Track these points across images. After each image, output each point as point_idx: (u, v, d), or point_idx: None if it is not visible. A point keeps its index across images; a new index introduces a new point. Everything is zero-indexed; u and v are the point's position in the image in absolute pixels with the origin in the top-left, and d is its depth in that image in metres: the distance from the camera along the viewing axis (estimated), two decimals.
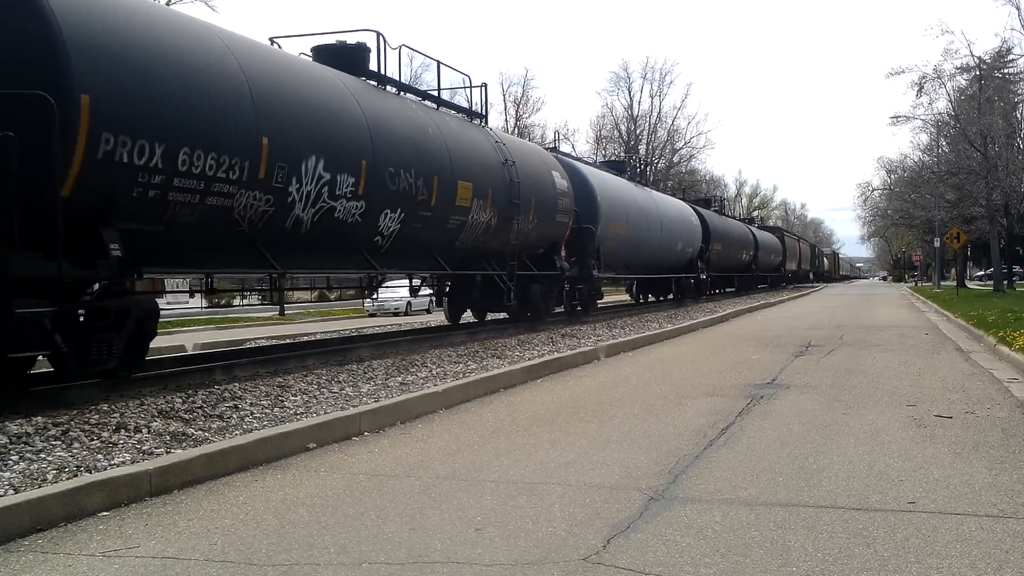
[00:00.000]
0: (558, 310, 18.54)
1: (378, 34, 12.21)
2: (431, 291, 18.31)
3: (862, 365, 10.83)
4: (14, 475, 4.86)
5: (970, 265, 66.63)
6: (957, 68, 38.38)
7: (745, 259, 40.36)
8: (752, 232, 43.76)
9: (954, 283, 48.82)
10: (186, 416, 6.64)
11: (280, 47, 11.12)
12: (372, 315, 28.72)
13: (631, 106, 66.99)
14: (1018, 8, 38.74)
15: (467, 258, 14.09)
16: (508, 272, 15.12)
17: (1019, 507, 4.44)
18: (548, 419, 7.25)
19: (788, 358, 11.72)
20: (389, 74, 12.34)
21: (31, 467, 5.04)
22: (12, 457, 5.21)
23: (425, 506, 4.62)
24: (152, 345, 8.66)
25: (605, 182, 21.11)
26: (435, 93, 14.16)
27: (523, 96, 60.89)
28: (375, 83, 12.10)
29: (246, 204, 8.60)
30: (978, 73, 37.77)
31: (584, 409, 7.73)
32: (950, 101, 39.94)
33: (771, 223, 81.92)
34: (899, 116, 42.72)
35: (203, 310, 24.73)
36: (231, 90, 8.40)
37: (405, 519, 4.38)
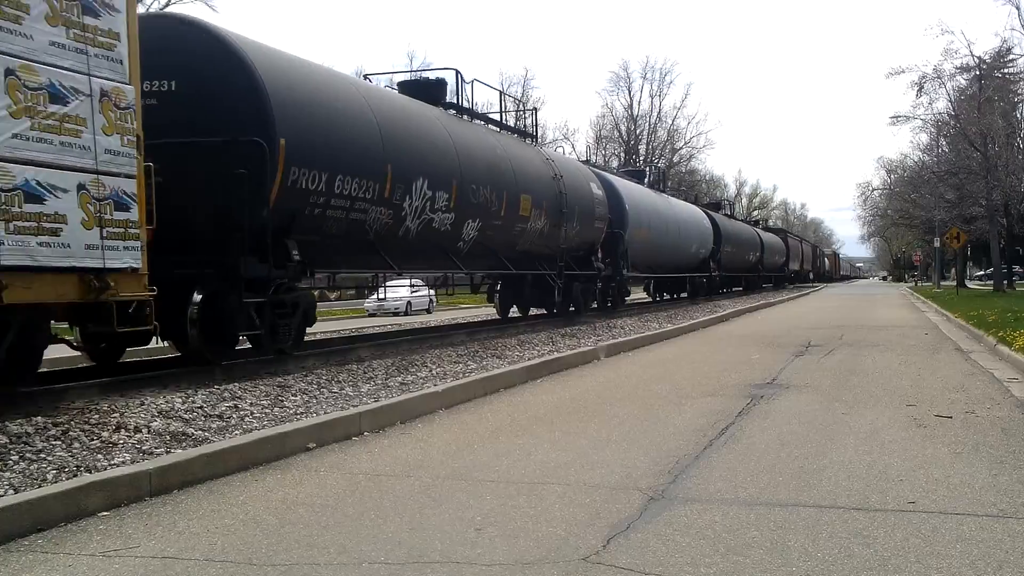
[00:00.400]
0: (592, 306, 20.74)
1: (457, 72, 15.24)
2: (430, 290, 20.84)
3: (862, 365, 10.83)
4: (14, 475, 4.86)
5: (970, 265, 66.62)
6: (957, 68, 38.41)
7: (752, 260, 42.38)
8: (758, 234, 45.76)
9: (954, 283, 48.81)
10: (186, 416, 6.64)
11: (371, 80, 14.24)
12: (372, 315, 28.69)
13: (631, 106, 67.04)
14: (1018, 8, 38.75)
15: (524, 259, 16.25)
16: (557, 272, 17.53)
17: (1019, 507, 4.44)
18: (548, 419, 7.25)
19: (788, 358, 11.72)
20: (450, 98, 14.67)
21: (31, 467, 5.04)
22: (12, 457, 5.21)
23: (425, 506, 4.62)
24: (151, 345, 9.46)
25: (631, 191, 23.33)
26: (498, 118, 16.92)
27: (523, 96, 60.84)
28: (454, 112, 14.51)
29: (374, 218, 10.85)
30: (978, 73, 37.77)
31: (584, 409, 7.73)
32: (950, 101, 39.97)
33: (771, 223, 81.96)
34: (899, 116, 42.78)
35: None
36: (367, 129, 10.75)
37: (405, 519, 4.38)
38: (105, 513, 4.52)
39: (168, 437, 5.97)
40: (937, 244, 45.37)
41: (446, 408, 7.84)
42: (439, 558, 3.80)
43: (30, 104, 6.12)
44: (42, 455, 5.30)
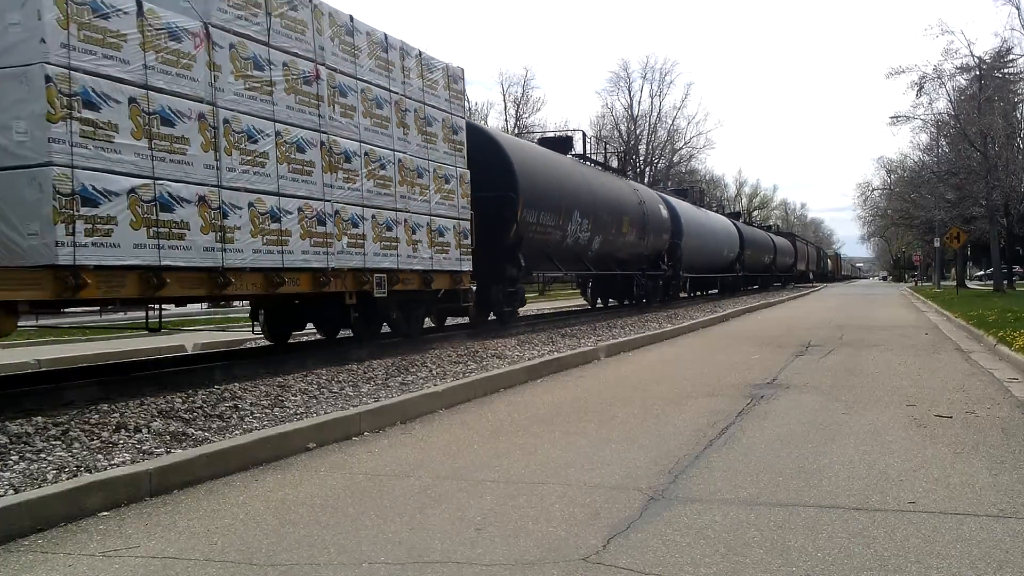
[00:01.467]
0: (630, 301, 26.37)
1: (583, 133, 22.93)
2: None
3: (862, 365, 10.83)
4: (14, 475, 4.86)
5: (970, 265, 66.63)
6: (957, 68, 38.41)
7: (767, 261, 48.12)
8: (771, 238, 52.02)
9: (954, 283, 48.81)
10: (186, 416, 6.64)
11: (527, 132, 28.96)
12: None
13: (631, 106, 67.05)
14: (1018, 8, 38.81)
15: (620, 264, 22.70)
16: (641, 272, 24.37)
17: (1019, 507, 4.44)
18: (548, 419, 7.25)
19: (788, 358, 11.72)
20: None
21: (31, 467, 5.05)
22: (12, 457, 5.21)
23: (425, 506, 4.62)
24: (151, 345, 11.53)
25: (685, 209, 30.20)
26: (602, 161, 25.44)
27: (523, 96, 60.85)
28: (579, 159, 21.38)
29: (552, 238, 17.35)
30: (978, 73, 37.78)
31: (584, 409, 7.73)
32: (950, 101, 39.96)
33: (771, 223, 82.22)
34: (899, 116, 42.74)
35: (203, 311, 24.72)
36: (555, 182, 17.49)
37: (405, 519, 4.38)
38: (105, 513, 4.52)
39: (168, 437, 5.97)
40: (937, 244, 45.41)
41: (446, 408, 7.84)
42: (439, 558, 3.79)
43: (440, 186, 12.47)
44: (42, 455, 5.31)
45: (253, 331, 12.62)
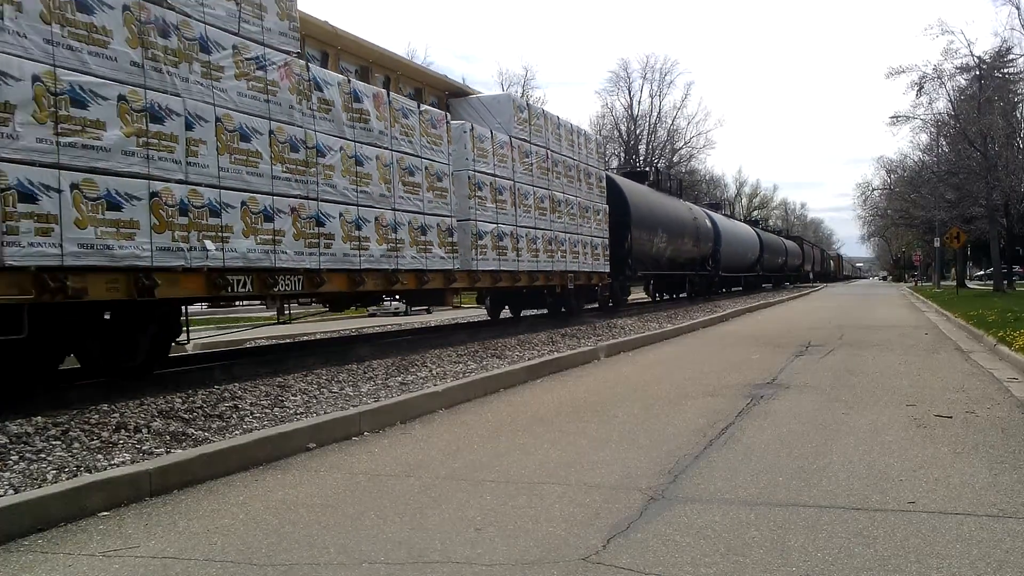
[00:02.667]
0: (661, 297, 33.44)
1: (656, 168, 36.76)
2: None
3: (862, 365, 10.83)
4: (14, 475, 4.86)
5: (970, 265, 66.61)
6: (957, 68, 38.43)
7: (779, 263, 54.99)
8: (784, 243, 58.86)
9: (954, 283, 48.81)
10: (186, 416, 6.64)
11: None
12: (372, 315, 28.64)
13: (631, 106, 67.04)
14: (1018, 8, 38.83)
15: (680, 266, 29.37)
16: (695, 273, 31.76)
17: (1019, 507, 4.44)
18: (548, 419, 7.25)
19: (788, 358, 11.72)
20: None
21: (31, 467, 5.04)
22: (12, 457, 5.21)
23: (425, 506, 4.62)
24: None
25: (722, 221, 38.22)
26: (669, 187, 33.49)
27: (523, 96, 60.85)
28: (653, 187, 29.14)
29: (648, 248, 24.56)
30: (978, 73, 37.79)
31: (584, 409, 7.73)
32: (950, 101, 39.97)
33: (771, 223, 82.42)
34: (899, 116, 42.75)
35: (204, 310, 24.71)
36: (647, 208, 25.02)
37: (405, 519, 4.38)
38: (105, 513, 4.52)
39: (168, 437, 5.97)
40: (937, 244, 45.39)
41: (446, 408, 7.84)
42: (439, 558, 3.79)
43: (595, 216, 20.35)
44: (42, 455, 5.30)
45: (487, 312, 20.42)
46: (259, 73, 9.16)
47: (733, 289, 44.96)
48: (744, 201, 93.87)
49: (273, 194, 9.33)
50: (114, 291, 7.41)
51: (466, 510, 4.52)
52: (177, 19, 8.09)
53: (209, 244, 8.32)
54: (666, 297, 32.45)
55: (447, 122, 13.43)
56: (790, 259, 59.07)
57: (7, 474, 4.87)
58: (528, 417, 7.37)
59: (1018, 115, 38.96)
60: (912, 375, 9.77)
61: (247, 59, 9.00)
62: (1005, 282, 41.14)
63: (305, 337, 14.51)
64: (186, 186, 8.11)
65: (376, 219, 11.29)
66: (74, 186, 6.91)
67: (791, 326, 18.50)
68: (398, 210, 11.78)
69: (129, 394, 7.60)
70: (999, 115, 35.13)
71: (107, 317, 8.46)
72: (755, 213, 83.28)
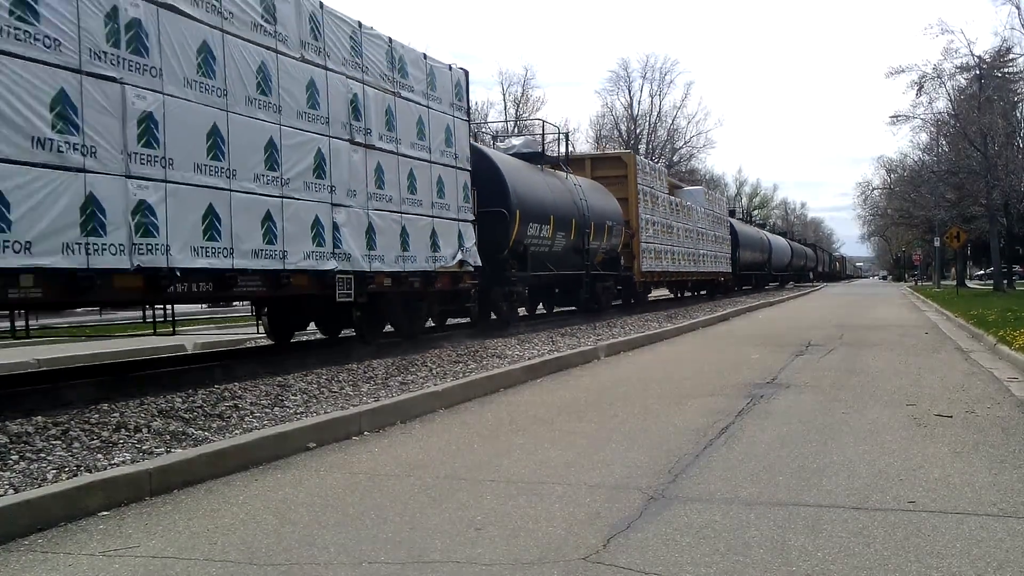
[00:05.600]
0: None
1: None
2: None
3: (862, 364, 10.82)
4: (14, 475, 4.86)
5: (970, 264, 66.55)
6: (957, 67, 38.46)
7: (798, 264, 65.37)
8: (805, 249, 72.33)
9: (954, 282, 48.79)
10: (186, 416, 6.64)
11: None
12: None
13: (631, 105, 67.08)
14: (1018, 7, 38.73)
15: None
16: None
17: (1019, 506, 4.43)
18: (548, 419, 7.25)
19: (788, 357, 11.72)
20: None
21: (31, 467, 5.04)
22: (12, 457, 5.21)
23: (425, 506, 4.62)
24: (152, 345, 11.62)
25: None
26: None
27: (523, 95, 60.90)
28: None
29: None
30: (978, 72, 37.79)
31: (584, 408, 7.73)
32: (950, 100, 39.97)
33: (771, 223, 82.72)
34: (899, 115, 42.83)
35: (203, 310, 24.73)
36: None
37: (405, 519, 4.38)
38: (105, 513, 4.52)
39: (168, 437, 5.97)
40: (937, 244, 45.36)
41: (446, 407, 7.83)
42: (439, 558, 3.79)
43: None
44: (42, 455, 5.30)
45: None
46: None
47: (765, 289, 50.91)
48: (744, 201, 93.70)
49: None
50: None
51: (466, 510, 4.52)
52: None
53: None
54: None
55: None
56: (808, 262, 75.00)
57: (7, 474, 4.87)
58: (528, 417, 7.37)
59: (1018, 115, 38.94)
60: (912, 374, 9.76)
61: None
62: (1005, 282, 41.10)
63: (304, 337, 14.54)
64: None
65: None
66: None
67: (791, 325, 18.50)
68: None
69: (129, 394, 7.61)
70: (999, 115, 35.10)
71: None
72: (755, 213, 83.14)
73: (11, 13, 6.60)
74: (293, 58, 9.82)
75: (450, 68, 13.42)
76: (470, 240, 13.67)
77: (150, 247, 7.77)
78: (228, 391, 7.75)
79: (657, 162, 57.06)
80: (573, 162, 21.91)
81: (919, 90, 39.42)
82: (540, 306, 21.96)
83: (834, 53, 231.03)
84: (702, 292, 36.28)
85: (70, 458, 5.27)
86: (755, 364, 11.06)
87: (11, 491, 4.55)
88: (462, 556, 3.81)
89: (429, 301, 13.38)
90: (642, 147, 65.63)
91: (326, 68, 10.39)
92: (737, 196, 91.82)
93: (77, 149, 7.08)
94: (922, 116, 42.05)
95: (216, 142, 8.60)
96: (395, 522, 4.33)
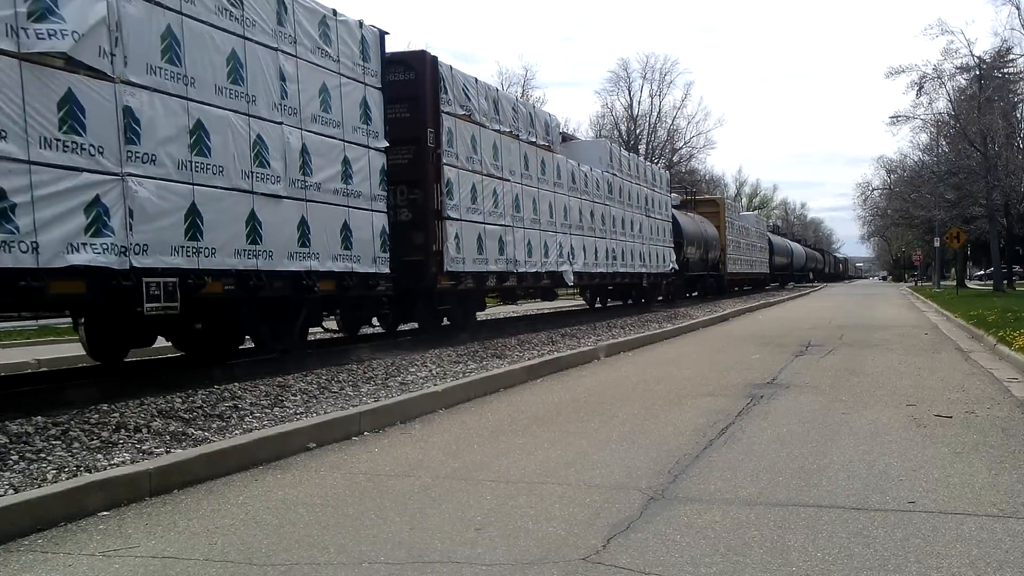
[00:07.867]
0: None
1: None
2: None
3: (862, 365, 10.82)
4: (14, 475, 4.86)
5: (970, 265, 66.56)
6: (957, 68, 38.47)
7: (811, 266, 76.41)
8: (815, 253, 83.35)
9: (954, 283, 48.79)
10: (186, 416, 6.64)
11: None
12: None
13: (631, 106, 67.04)
14: (1018, 8, 38.63)
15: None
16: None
17: (1019, 507, 4.44)
18: (548, 419, 7.25)
19: (788, 358, 11.72)
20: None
21: (31, 467, 5.04)
22: (12, 457, 5.21)
23: (425, 506, 4.62)
24: (153, 345, 10.87)
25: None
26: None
27: (523, 95, 60.84)
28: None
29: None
30: (978, 73, 37.81)
31: (584, 409, 7.73)
32: (950, 101, 39.97)
33: (771, 223, 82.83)
34: (899, 116, 42.79)
35: None
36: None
37: (405, 519, 4.38)
38: (105, 513, 4.52)
39: (168, 437, 5.97)
40: (937, 244, 45.35)
41: (446, 408, 7.83)
42: (439, 558, 3.79)
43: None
44: (42, 455, 5.30)
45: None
46: None
47: (769, 287, 55.46)
48: (744, 201, 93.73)
49: None
50: None
51: (466, 510, 4.52)
52: None
53: None
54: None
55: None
56: (817, 264, 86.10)
57: (7, 474, 4.87)
58: (528, 417, 7.37)
59: (1018, 115, 38.99)
60: (912, 375, 9.76)
61: None
62: (1005, 282, 41.11)
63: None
64: None
65: None
66: None
67: (791, 326, 18.50)
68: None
69: (129, 394, 7.60)
70: (999, 115, 35.12)
71: None
72: (755, 213, 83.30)
73: None
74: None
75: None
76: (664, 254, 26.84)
77: None
78: (228, 391, 7.74)
79: (658, 163, 57.31)
80: (685, 203, 35.52)
81: (919, 90, 39.47)
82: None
83: (834, 53, 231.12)
84: (747, 287, 48.15)
85: (70, 458, 5.27)
86: (755, 364, 11.06)
87: (11, 491, 4.55)
88: (462, 556, 3.81)
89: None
90: (642, 147, 65.64)
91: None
92: (737, 196, 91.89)
93: None
94: (922, 116, 42.10)
95: None
96: (395, 522, 4.33)
